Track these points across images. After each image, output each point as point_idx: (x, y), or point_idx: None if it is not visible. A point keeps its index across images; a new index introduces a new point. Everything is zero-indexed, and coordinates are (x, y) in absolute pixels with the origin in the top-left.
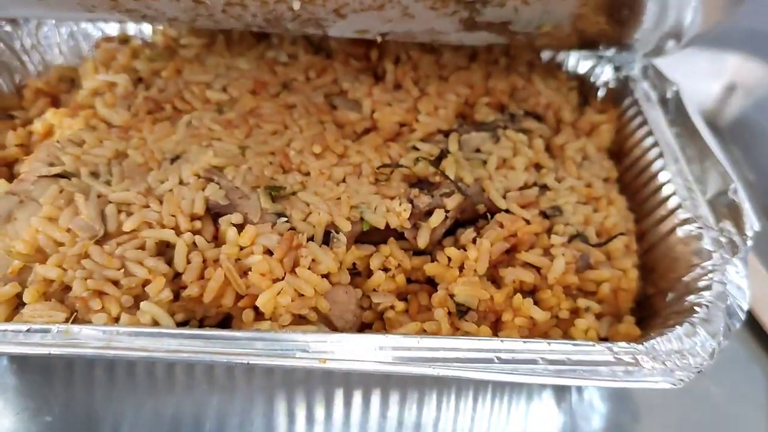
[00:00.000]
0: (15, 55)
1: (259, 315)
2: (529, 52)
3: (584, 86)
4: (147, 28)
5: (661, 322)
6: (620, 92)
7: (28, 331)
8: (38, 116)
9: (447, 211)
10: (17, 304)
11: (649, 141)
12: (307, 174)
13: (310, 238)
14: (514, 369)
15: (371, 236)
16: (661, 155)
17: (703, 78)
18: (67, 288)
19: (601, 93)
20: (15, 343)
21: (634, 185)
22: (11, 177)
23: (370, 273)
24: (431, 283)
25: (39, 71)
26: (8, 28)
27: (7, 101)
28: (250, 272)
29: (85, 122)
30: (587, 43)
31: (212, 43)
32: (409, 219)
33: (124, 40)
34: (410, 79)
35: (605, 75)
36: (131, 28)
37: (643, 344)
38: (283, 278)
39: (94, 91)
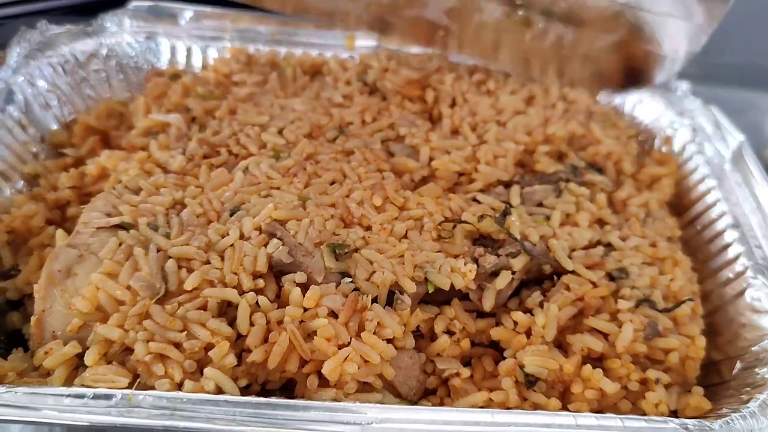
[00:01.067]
0: (64, 89)
1: (323, 380)
2: (587, 96)
3: (641, 134)
4: (197, 61)
5: (731, 394)
6: (679, 142)
7: (92, 397)
8: (89, 155)
9: (513, 273)
10: (76, 364)
11: (713, 196)
12: (369, 228)
13: (374, 299)
14: None
15: (434, 296)
16: (726, 213)
17: None
18: (128, 349)
19: (657, 142)
20: (75, 412)
21: (695, 242)
22: (64, 219)
23: (433, 335)
24: (494, 346)
25: (88, 105)
26: (57, 62)
27: (56, 137)
28: (314, 336)
29: (140, 166)
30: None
31: (265, 81)
32: (474, 280)
33: (175, 75)
34: (468, 124)
35: (664, 123)
36: (181, 62)
37: (718, 422)
38: (348, 343)
39: (147, 131)
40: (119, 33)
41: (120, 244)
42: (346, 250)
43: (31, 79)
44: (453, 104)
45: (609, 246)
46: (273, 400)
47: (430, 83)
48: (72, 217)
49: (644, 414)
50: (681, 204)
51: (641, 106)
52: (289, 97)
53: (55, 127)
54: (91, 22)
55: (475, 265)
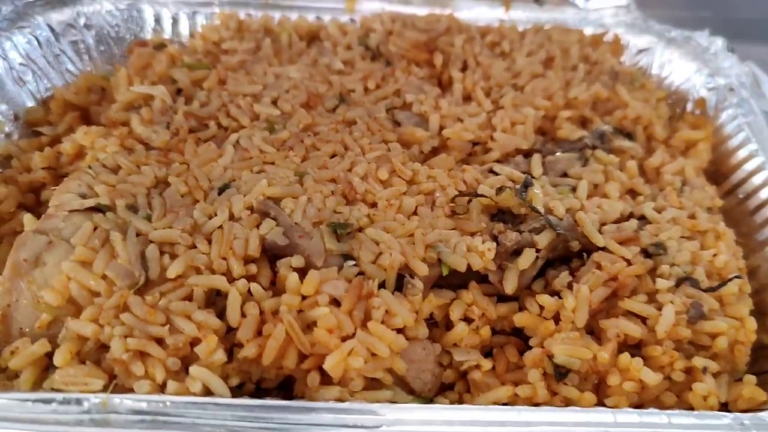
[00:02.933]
0: (39, 63)
1: (325, 377)
2: (611, 56)
3: (672, 96)
4: (184, 29)
5: None
6: (715, 103)
7: (62, 402)
8: (68, 133)
9: (538, 251)
10: (46, 364)
11: (754, 162)
12: (374, 205)
13: (381, 285)
14: None
15: (449, 279)
16: None
17: None
18: (104, 347)
19: (690, 105)
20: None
21: (737, 213)
22: (38, 204)
23: (448, 323)
24: (518, 334)
25: (66, 80)
26: (31, 33)
27: (32, 115)
28: (315, 327)
29: (119, 143)
30: None
31: (258, 48)
32: (493, 260)
33: (160, 45)
34: (481, 89)
35: (696, 83)
36: (167, 30)
37: None
38: (353, 335)
39: (129, 105)
40: (98, 0)
41: (95, 229)
42: (348, 230)
43: (3, 52)
44: (464, 68)
45: (643, 219)
46: (269, 401)
47: (439, 46)
48: (47, 201)
49: (691, 408)
50: (719, 172)
51: (670, 65)
52: (284, 64)
53: (30, 104)
54: None
55: (495, 243)
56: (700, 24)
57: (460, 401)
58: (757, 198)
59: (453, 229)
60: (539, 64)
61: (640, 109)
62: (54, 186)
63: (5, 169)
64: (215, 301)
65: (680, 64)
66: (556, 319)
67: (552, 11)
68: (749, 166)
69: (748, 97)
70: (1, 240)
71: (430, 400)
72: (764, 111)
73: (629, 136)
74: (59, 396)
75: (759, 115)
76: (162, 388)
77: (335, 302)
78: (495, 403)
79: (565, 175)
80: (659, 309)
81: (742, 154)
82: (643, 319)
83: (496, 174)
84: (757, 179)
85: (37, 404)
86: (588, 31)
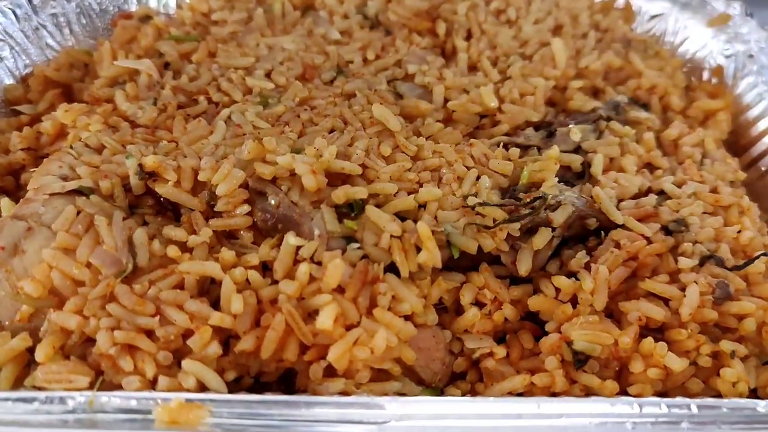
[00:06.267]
0: (17, 38)
1: (328, 369)
2: (623, 23)
3: (688, 65)
4: (171, 0)
5: None
6: (734, 71)
7: (45, 401)
8: (48, 112)
9: (553, 229)
10: (28, 360)
11: None
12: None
13: (387, 268)
14: None
15: (459, 262)
16: None
17: None
18: (90, 340)
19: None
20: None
21: (760, 187)
22: (18, 188)
23: (459, 308)
24: (533, 318)
25: (47, 56)
26: (7, 6)
27: (10, 93)
28: (317, 316)
29: (103, 121)
30: None
31: (249, 19)
32: (505, 240)
33: (146, 16)
34: (487, 58)
35: (713, 49)
36: (152, 1)
37: None
38: (358, 324)
39: (113, 80)
40: None
41: (78, 213)
42: (355, 212)
43: None
44: (469, 36)
45: (662, 194)
46: (268, 397)
47: (441, 14)
48: (27, 184)
49: (719, 395)
50: (738, 144)
51: (685, 31)
52: (277, 35)
53: (8, 81)
54: None
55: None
56: None
57: (473, 391)
58: None
59: (461, 208)
60: (547, 31)
61: (655, 79)
62: (34, 168)
63: None
64: (209, 289)
65: (696, 31)
66: (574, 302)
67: None
68: None
69: None
70: None
71: (440, 391)
72: None
73: (645, 106)
74: (42, 395)
75: None
76: (153, 385)
77: (339, 288)
78: (510, 393)
79: (578, 149)
80: (682, 290)
81: (763, 125)
82: (666, 301)
83: (506, 149)
84: None
85: (18, 404)
86: None
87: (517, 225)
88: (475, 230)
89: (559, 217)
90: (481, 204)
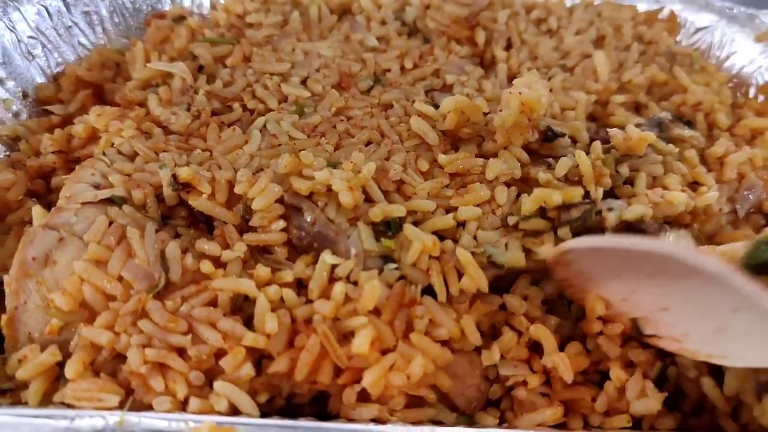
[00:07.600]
0: (49, 35)
1: (362, 393)
2: (667, 35)
3: (734, 80)
4: (206, 0)
5: None
6: None
7: (74, 419)
8: (80, 113)
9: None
10: (57, 374)
11: None
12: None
13: (425, 290)
14: None
15: (497, 281)
16: None
17: None
18: (120, 357)
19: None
20: None
21: None
22: (48, 191)
23: (495, 332)
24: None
25: (78, 55)
26: (40, 3)
27: (41, 92)
28: (351, 338)
29: (136, 126)
30: None
31: (285, 22)
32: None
33: (180, 17)
34: (527, 70)
35: (762, 65)
36: (187, 1)
37: None
38: (394, 348)
39: (146, 83)
40: None
41: (110, 224)
42: (392, 232)
43: (11, 24)
44: (508, 46)
45: None
46: (301, 423)
47: (480, 21)
48: (58, 188)
49: None
50: None
51: (732, 45)
52: (313, 40)
53: (40, 80)
54: None
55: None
56: (765, 1)
57: (502, 419)
58: None
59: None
60: (590, 42)
61: (700, 95)
62: (64, 171)
63: (12, 151)
64: (243, 307)
65: (743, 45)
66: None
67: None
68: None
69: None
70: (8, 231)
71: (472, 418)
72: None
73: (689, 123)
74: (71, 413)
75: None
76: (183, 406)
77: (375, 310)
78: (540, 425)
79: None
80: None
81: None
82: None
83: (549, 165)
84: None
85: (47, 421)
86: (641, 7)
87: (567, 228)
88: (521, 236)
89: (611, 219)
90: (523, 218)
